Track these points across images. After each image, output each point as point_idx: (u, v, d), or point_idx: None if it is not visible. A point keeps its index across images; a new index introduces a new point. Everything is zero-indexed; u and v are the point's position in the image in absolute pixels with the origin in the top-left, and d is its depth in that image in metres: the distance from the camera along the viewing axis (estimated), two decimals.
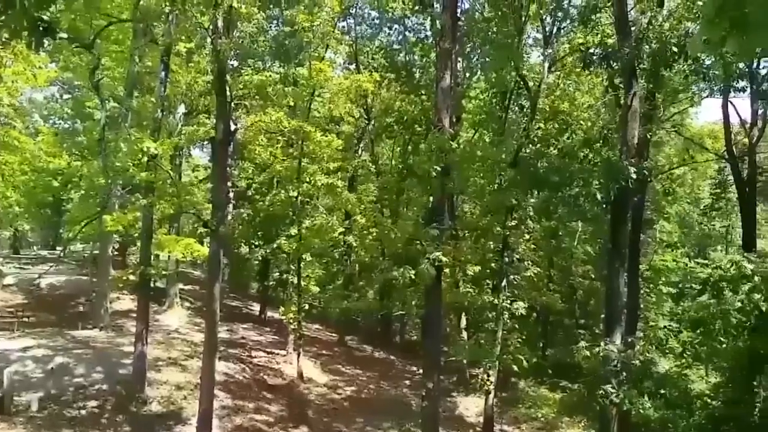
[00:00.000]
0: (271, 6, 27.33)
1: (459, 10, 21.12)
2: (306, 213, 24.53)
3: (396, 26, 31.38)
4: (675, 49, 16.10)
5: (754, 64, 20.50)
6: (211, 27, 16.67)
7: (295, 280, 24.46)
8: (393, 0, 27.98)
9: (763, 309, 19.22)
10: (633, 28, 17.57)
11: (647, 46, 16.64)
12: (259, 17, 20.13)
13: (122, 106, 22.50)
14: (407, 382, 27.43)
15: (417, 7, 26.49)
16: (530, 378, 26.34)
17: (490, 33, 23.46)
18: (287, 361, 25.49)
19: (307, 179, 23.43)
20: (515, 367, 20.97)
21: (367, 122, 30.83)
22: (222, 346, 22.65)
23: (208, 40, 17.71)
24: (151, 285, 23.25)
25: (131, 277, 19.92)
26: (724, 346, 20.89)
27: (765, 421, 19.94)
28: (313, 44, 23.57)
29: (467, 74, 28.68)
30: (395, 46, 31.91)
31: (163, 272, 26.28)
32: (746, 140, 23.69)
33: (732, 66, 19.62)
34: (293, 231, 23.69)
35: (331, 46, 25.80)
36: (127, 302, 28.34)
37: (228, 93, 17.17)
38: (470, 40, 26.41)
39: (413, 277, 17.47)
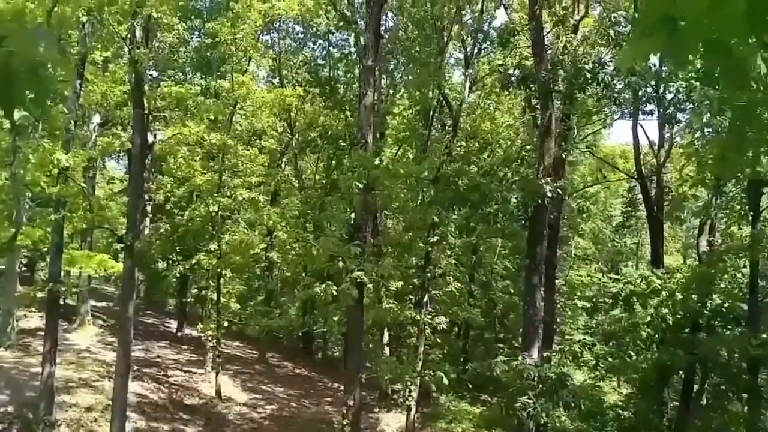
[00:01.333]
0: (193, 17, 26.89)
1: (383, 28, 21.37)
2: (227, 228, 24.07)
3: (320, 41, 31.45)
4: (588, 74, 16.78)
5: (661, 89, 21.60)
6: (129, 36, 16.22)
7: (215, 297, 23.91)
8: (317, 15, 28.02)
9: (670, 322, 20.20)
10: (549, 52, 18.23)
11: (562, 70, 17.27)
12: (179, 28, 19.79)
13: (32, 114, 21.50)
14: (329, 399, 27.19)
15: (341, 24, 26.62)
16: (451, 392, 26.61)
17: (413, 51, 23.84)
18: (205, 380, 24.81)
19: (228, 193, 23.03)
20: (434, 385, 21.14)
21: (290, 136, 30.63)
22: (136, 365, 21.83)
23: (126, 49, 17.21)
24: (61, 302, 22.21)
25: (39, 294, 18.97)
26: (635, 358, 21.80)
27: (677, 430, 20.91)
28: (236, 57, 23.28)
29: (391, 91, 29.01)
30: (319, 61, 31.95)
31: (74, 289, 25.16)
32: (654, 161, 24.87)
33: (640, 91, 20.63)
34: (213, 246, 23.17)
35: (254, 59, 25.54)
36: (35, 320, 26.91)
37: (146, 104, 16.72)
38: (394, 57, 26.77)
39: (335, 293, 17.41)
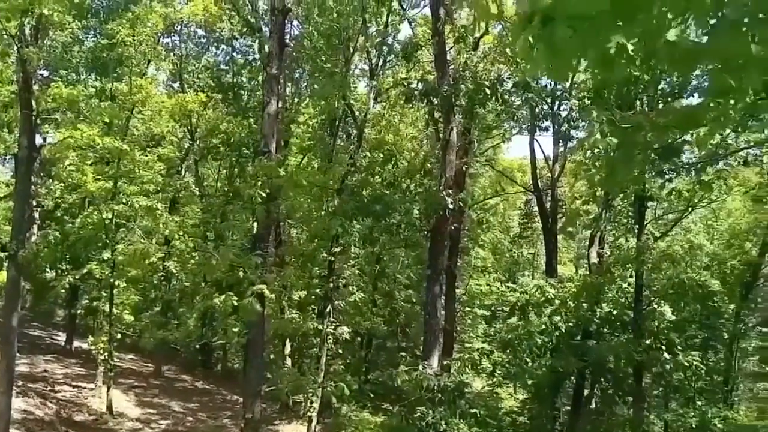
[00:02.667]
0: (89, 16, 25.72)
1: (287, 37, 21.24)
2: (121, 236, 23.08)
3: (224, 46, 30.83)
4: (487, 90, 17.31)
5: (556, 107, 22.56)
6: (18, 34, 15.32)
7: (107, 308, 22.85)
8: (221, 20, 27.48)
9: (563, 330, 21.07)
10: (451, 67, 18.69)
11: (463, 86, 17.74)
12: (73, 26, 18.86)
13: None
14: (228, 412, 26.53)
15: (245, 30, 26.22)
16: (353, 402, 26.61)
17: (318, 61, 23.81)
18: (96, 395, 23.66)
19: (124, 200, 22.10)
20: (335, 396, 21.07)
21: (191, 142, 29.81)
22: (20, 380, 20.55)
23: (15, 47, 16.24)
24: None
25: None
26: (530, 364, 22.55)
27: None
28: (135, 59, 22.44)
29: (296, 99, 28.82)
30: (222, 67, 31.30)
31: None
32: (550, 175, 25.93)
33: (536, 107, 21.50)
34: (106, 255, 22.16)
35: (153, 62, 24.72)
36: None
37: (34, 105, 15.84)
38: (299, 66, 26.63)
39: (236, 304, 17.07)
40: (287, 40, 21.30)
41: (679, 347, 20.63)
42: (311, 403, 20.89)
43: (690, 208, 24.53)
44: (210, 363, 35.34)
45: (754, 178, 22.04)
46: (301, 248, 24.86)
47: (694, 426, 20.82)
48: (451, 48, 19.52)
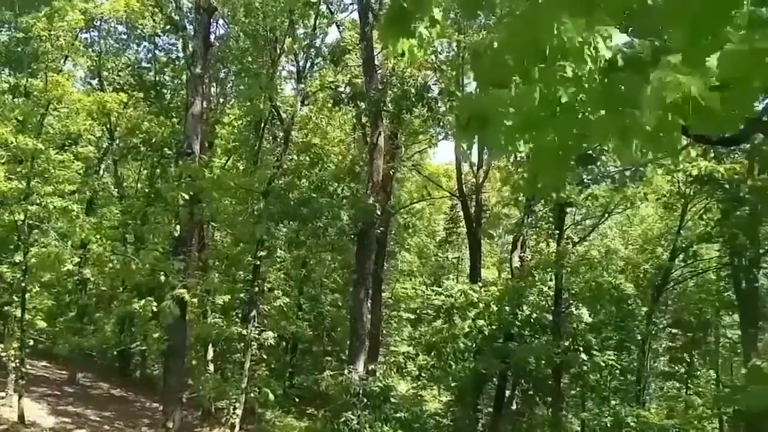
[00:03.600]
0: (3, 8, 24.48)
1: (213, 36, 20.85)
2: (35, 239, 22.03)
3: (146, 44, 29.92)
4: (414, 96, 17.50)
5: None
6: None
7: (19, 313, 21.75)
8: (143, 17, 26.65)
9: (486, 333, 21.51)
10: (379, 72, 18.80)
11: (391, 91, 17.86)
12: None
13: None
14: (147, 420, 25.71)
15: (168, 27, 25.55)
16: (277, 408, 26.30)
17: (245, 62, 23.46)
18: (7, 404, 22.48)
19: (38, 201, 21.10)
20: (257, 402, 20.81)
21: (110, 142, 28.78)
22: None
23: None
24: None
25: None
26: (454, 367, 22.91)
27: None
28: (51, 54, 21.48)
29: (221, 100, 28.28)
30: (144, 64, 30.34)
31: None
32: (474, 181, 26.38)
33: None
34: (18, 258, 21.10)
35: (71, 58, 23.73)
36: None
37: None
38: (225, 66, 26.16)
39: (156, 309, 16.59)
40: (212, 40, 20.91)
41: (595, 348, 21.39)
42: (234, 409, 20.53)
43: (606, 214, 25.47)
44: (128, 370, 34.17)
45: (665, 186, 23.07)
46: (225, 252, 24.40)
47: (608, 425, 21.62)
48: (379, 53, 19.63)
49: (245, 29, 23.82)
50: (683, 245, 24.89)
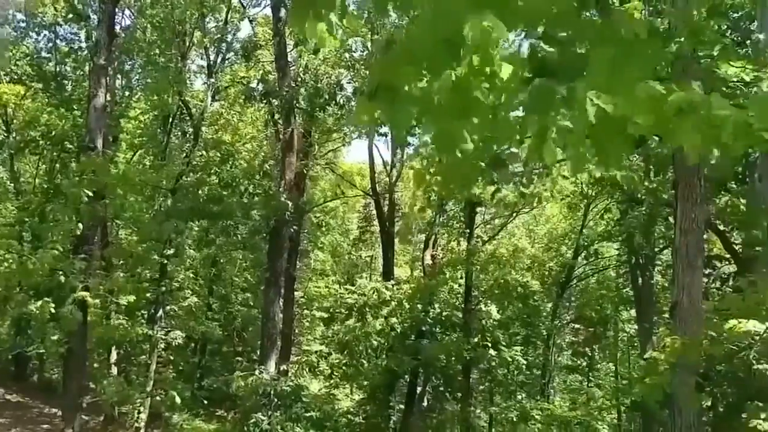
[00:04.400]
0: None
1: (118, 27, 20.02)
2: None
3: (46, 32, 28.35)
4: (327, 95, 17.44)
5: None
6: None
7: None
8: (43, 4, 25.26)
9: (398, 331, 21.72)
10: (292, 69, 18.60)
11: (303, 89, 17.72)
12: None
13: None
14: (46, 426, 24.45)
15: (71, 16, 24.35)
16: (185, 411, 25.61)
17: (152, 54, 22.68)
18: None
19: None
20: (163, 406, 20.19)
21: (6, 135, 27.15)
22: None
23: None
24: None
25: None
26: (367, 365, 23.01)
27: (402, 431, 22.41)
28: None
29: (127, 93, 27.20)
30: (44, 54, 28.77)
31: None
32: (388, 179, 26.56)
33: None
34: None
35: None
36: None
37: None
38: (131, 58, 25.20)
39: (54, 311, 15.79)
40: (117, 30, 20.06)
41: (503, 344, 22.00)
42: (139, 413, 19.85)
43: (514, 214, 26.22)
44: (25, 374, 32.37)
45: (570, 187, 23.93)
46: (130, 250, 23.47)
47: (515, 418, 22.30)
48: (292, 50, 19.44)
49: (153, 20, 23.01)
50: (585, 244, 25.97)
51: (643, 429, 21.48)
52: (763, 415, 8.43)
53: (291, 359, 24.20)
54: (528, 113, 3.01)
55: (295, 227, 20.36)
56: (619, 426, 24.63)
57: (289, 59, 18.89)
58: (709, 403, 12.04)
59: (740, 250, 14.14)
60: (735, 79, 8.87)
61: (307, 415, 17.77)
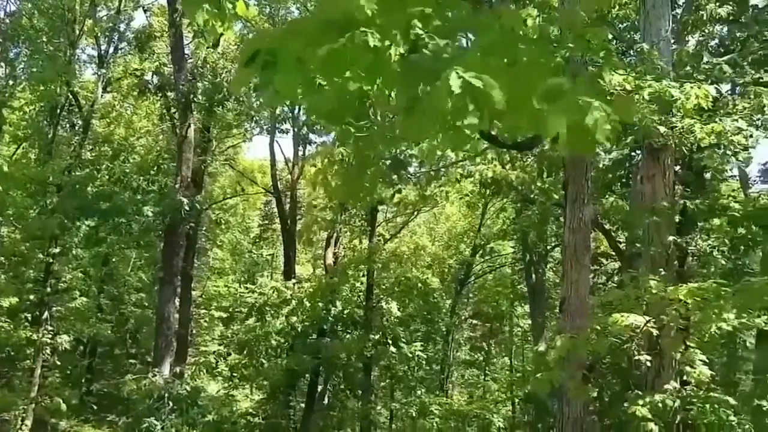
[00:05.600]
0: None
1: (2, 12, 18.79)
2: None
3: None
4: (226, 91, 17.05)
5: (296, 110, 22.93)
6: None
7: None
8: None
9: (299, 330, 21.55)
10: (189, 62, 18.05)
11: (201, 83, 17.24)
12: None
13: None
14: None
15: None
16: (73, 417, 24.39)
17: (38, 42, 21.42)
18: None
19: None
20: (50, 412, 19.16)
21: None
22: None
23: None
24: None
25: None
26: (266, 365, 22.70)
27: (303, 430, 22.24)
28: None
29: (10, 82, 25.54)
30: None
31: None
32: (290, 177, 26.27)
33: (276, 110, 21.67)
34: None
35: None
36: None
37: None
38: (16, 45, 23.69)
39: None
40: (1, 16, 18.84)
41: (403, 340, 22.28)
42: (23, 420, 18.76)
43: (416, 213, 26.59)
44: None
45: (468, 187, 24.49)
46: (12, 249, 22.08)
47: (414, 414, 22.65)
48: (190, 42, 18.86)
49: (40, 6, 21.74)
50: (483, 242, 26.70)
51: (535, 420, 22.31)
52: (641, 402, 8.90)
53: (188, 361, 23.55)
54: (398, 86, 3.03)
55: (191, 224, 19.78)
56: (513, 418, 25.47)
57: (187, 52, 18.31)
58: (595, 394, 12.65)
59: (624, 247, 14.91)
60: (618, 87, 9.33)
61: (204, 419, 17.31)
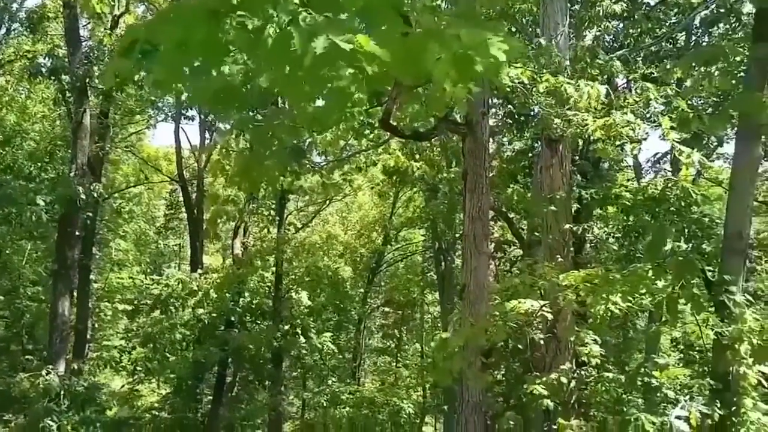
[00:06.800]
0: None
1: None
2: None
3: None
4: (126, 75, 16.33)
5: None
6: None
7: None
8: None
9: (207, 321, 21.12)
10: (86, 44, 17.21)
11: (97, 67, 16.46)
12: None
13: None
14: None
15: None
16: None
17: None
18: None
19: None
20: None
21: None
22: None
23: None
24: None
25: None
26: (173, 358, 22.14)
27: (210, 423, 21.82)
28: None
29: None
30: None
31: None
32: (196, 165, 25.58)
33: (180, 98, 20.95)
34: None
35: None
36: None
37: None
38: None
39: None
40: None
41: (314, 330, 22.22)
42: None
43: (327, 202, 26.52)
44: None
45: (379, 176, 24.63)
46: None
47: (326, 403, 22.69)
48: (87, 24, 17.97)
49: None
50: (394, 230, 26.95)
51: (444, 404, 22.79)
52: (538, 382, 9.23)
53: (89, 356, 22.64)
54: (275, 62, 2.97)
55: (89, 214, 18.91)
56: (424, 403, 25.94)
57: (83, 34, 17.44)
58: (499, 377, 13.01)
59: (525, 235, 15.37)
60: (516, 80, 9.54)
61: (102, 417, 16.66)
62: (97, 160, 19.69)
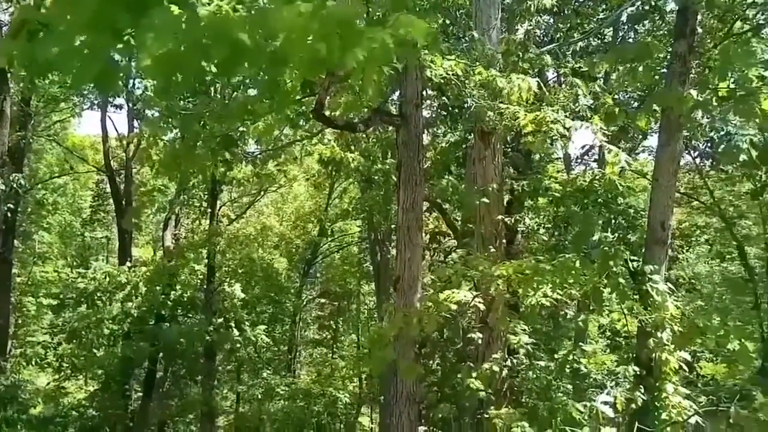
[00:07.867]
0: None
1: None
2: None
3: None
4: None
5: (130, 84, 21.58)
6: None
7: None
8: None
9: (135, 316, 20.56)
10: (5, 28, 16.38)
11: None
12: None
13: None
14: None
15: None
16: None
17: None
18: None
19: None
20: None
21: None
22: None
23: None
24: None
25: None
26: (100, 354, 21.47)
27: (140, 420, 21.31)
28: None
29: None
30: None
31: None
32: (124, 155, 24.74)
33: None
34: None
35: None
36: None
37: None
38: None
39: None
40: None
41: (247, 323, 21.94)
42: None
43: (262, 193, 26.17)
44: None
45: (315, 167, 24.45)
46: None
47: (260, 396, 22.46)
48: (9, 8, 17.11)
49: None
50: (330, 222, 26.83)
51: (379, 394, 22.89)
52: (474, 374, 9.35)
53: (11, 353, 21.78)
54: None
55: (10, 206, 18.10)
56: (360, 393, 26.01)
57: (2, 18, 16.62)
58: (434, 367, 13.15)
59: (459, 226, 15.53)
60: (450, 72, 9.58)
61: (24, 416, 16.05)
62: (18, 149, 18.86)
